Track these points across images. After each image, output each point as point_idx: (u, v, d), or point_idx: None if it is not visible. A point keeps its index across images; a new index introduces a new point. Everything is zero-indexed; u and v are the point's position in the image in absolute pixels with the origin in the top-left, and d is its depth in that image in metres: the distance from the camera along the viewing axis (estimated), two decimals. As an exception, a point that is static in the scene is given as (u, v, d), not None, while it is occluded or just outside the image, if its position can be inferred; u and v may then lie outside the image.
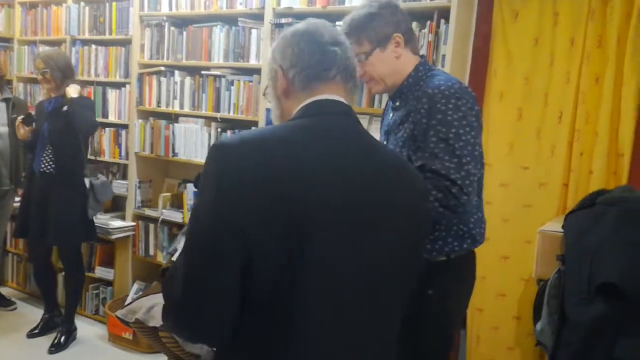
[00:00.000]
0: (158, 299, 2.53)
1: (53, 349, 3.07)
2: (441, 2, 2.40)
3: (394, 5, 1.69)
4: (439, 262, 1.67)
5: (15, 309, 3.59)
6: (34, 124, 3.05)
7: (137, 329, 2.56)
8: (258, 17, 2.88)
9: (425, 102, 1.61)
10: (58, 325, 3.24)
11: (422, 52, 2.42)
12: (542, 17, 2.42)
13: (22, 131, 3.00)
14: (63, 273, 3.30)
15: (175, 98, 3.21)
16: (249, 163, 0.92)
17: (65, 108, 2.92)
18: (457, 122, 1.57)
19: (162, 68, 3.22)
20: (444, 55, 2.40)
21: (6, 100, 3.41)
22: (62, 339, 3.12)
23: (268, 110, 2.86)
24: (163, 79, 3.24)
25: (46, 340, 3.16)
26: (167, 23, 3.18)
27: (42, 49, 3.75)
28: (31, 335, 3.22)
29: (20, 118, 3.00)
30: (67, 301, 3.21)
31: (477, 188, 1.68)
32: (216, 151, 0.96)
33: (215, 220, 0.92)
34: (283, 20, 2.76)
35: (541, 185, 2.45)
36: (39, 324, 3.28)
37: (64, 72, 3.02)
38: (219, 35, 3.01)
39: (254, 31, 2.90)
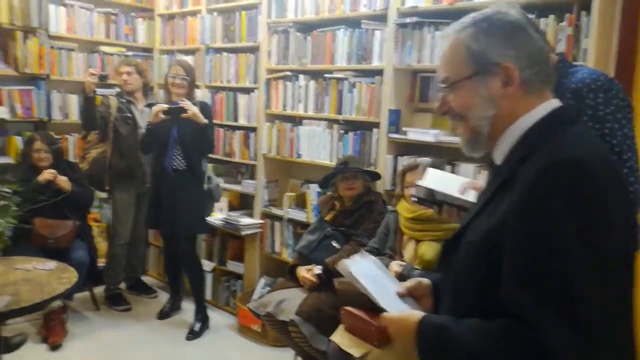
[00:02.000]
0: (287, 295, 2.66)
1: (190, 335, 3.34)
2: (582, -8, 2.23)
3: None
4: None
5: (156, 296, 3.96)
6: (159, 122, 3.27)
7: (267, 322, 2.71)
8: (381, 18, 2.88)
9: (569, 98, 1.53)
10: (179, 309, 3.64)
11: (562, 46, 2.29)
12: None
13: (155, 118, 3.15)
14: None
15: (299, 101, 3.33)
16: (611, 177, 0.91)
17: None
18: (610, 116, 1.48)
19: (288, 73, 3.35)
20: (585, 50, 2.23)
21: (149, 105, 3.74)
22: (198, 326, 3.39)
23: (391, 111, 2.86)
24: (289, 84, 3.37)
25: (182, 327, 3.45)
26: (292, 29, 3.30)
27: (179, 57, 4.09)
28: (160, 317, 3.57)
29: (164, 106, 3.15)
30: (193, 290, 3.47)
31: None
32: (587, 167, 0.87)
33: (617, 242, 0.89)
34: (407, 20, 2.74)
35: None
36: (164, 306, 3.64)
37: (195, 80, 3.39)
38: (342, 38, 3.06)
39: (377, 32, 2.91)
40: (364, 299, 2.27)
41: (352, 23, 3.03)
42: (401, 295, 1.27)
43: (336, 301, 2.48)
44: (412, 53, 2.76)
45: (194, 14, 3.99)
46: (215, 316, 3.60)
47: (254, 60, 3.59)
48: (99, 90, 3.69)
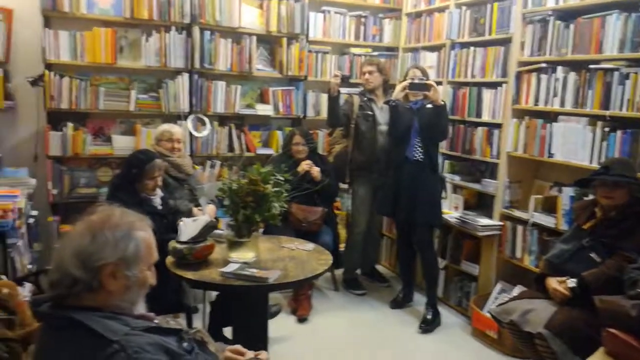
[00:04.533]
0: (534, 305, 2.47)
1: (423, 326, 3.38)
2: None
3: None
4: None
5: (389, 286, 4.10)
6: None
7: (509, 330, 2.56)
8: (671, -3, 2.44)
9: None
10: (411, 301, 3.71)
11: None
12: None
13: (400, 93, 3.41)
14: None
15: (555, 96, 3.04)
16: None
17: (429, 105, 3.35)
18: None
19: (544, 64, 3.09)
20: None
21: (388, 102, 3.85)
22: (430, 319, 3.41)
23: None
24: (543, 76, 3.11)
25: (414, 318, 3.50)
26: (552, 17, 3.03)
27: (423, 54, 4.14)
28: (393, 306, 3.69)
29: (409, 81, 3.37)
30: (427, 281, 3.52)
31: None
32: None
33: None
34: None
35: None
36: (397, 295, 3.75)
37: None
38: (615, 23, 2.69)
39: (662, 15, 2.48)
40: (630, 322, 1.98)
41: (628, 7, 2.64)
42: None
43: (593, 320, 2.23)
44: None
45: (441, 10, 3.97)
46: (447, 314, 3.57)
47: (503, 52, 3.40)
48: (346, 90, 3.96)
